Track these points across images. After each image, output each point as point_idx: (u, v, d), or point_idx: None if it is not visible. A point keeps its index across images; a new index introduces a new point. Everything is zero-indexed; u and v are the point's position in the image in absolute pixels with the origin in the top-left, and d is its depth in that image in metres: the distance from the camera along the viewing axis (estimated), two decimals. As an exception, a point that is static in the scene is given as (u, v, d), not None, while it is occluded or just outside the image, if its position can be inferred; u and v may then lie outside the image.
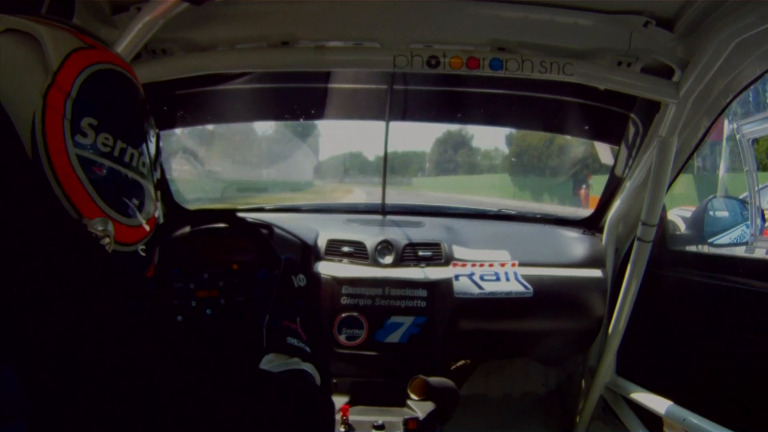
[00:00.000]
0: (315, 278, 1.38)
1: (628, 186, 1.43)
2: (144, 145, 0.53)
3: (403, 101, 1.58)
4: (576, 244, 1.57)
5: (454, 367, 1.40)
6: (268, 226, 1.43)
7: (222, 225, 1.31)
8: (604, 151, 1.75)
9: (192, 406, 0.42)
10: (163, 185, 1.59)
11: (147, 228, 0.53)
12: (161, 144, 0.60)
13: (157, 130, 0.57)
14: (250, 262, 1.25)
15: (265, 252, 1.24)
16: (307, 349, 0.83)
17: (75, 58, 0.46)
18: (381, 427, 1.18)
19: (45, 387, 0.36)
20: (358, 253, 1.43)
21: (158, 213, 0.57)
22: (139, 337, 0.43)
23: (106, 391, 0.38)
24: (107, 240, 0.47)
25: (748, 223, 1.40)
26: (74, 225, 0.44)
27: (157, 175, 0.57)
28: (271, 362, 0.78)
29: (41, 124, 0.43)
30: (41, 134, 0.43)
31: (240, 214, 1.49)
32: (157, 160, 0.57)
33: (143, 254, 0.54)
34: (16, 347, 0.36)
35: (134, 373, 0.40)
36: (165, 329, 0.48)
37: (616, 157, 1.56)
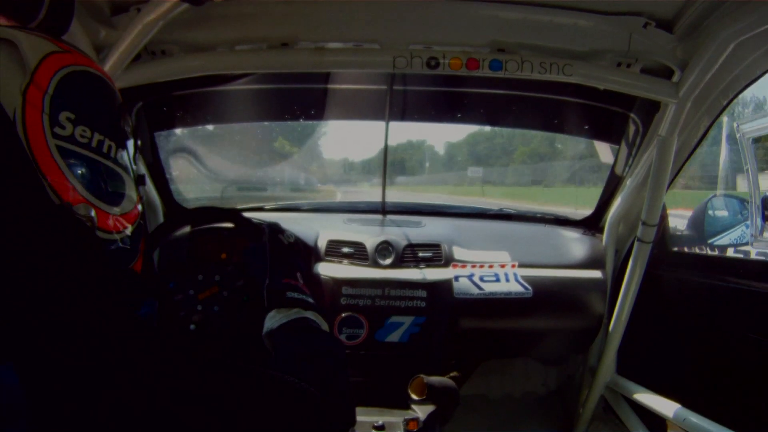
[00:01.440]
0: (315, 279, 1.39)
1: (628, 186, 1.44)
2: (121, 140, 0.57)
3: (403, 102, 1.58)
4: (576, 244, 1.57)
5: (448, 377, 1.40)
6: None
7: (224, 225, 1.30)
8: (604, 151, 1.74)
9: (193, 407, 0.42)
10: (163, 185, 1.59)
11: (128, 220, 0.57)
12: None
13: (131, 128, 0.61)
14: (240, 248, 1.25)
15: (248, 229, 1.24)
16: (309, 300, 0.82)
17: (51, 59, 0.50)
18: (381, 427, 1.18)
19: (44, 383, 0.36)
20: (358, 254, 1.43)
21: (141, 208, 0.61)
22: (134, 330, 0.43)
23: (105, 388, 0.38)
24: (90, 225, 0.50)
25: (748, 222, 1.40)
26: (58, 209, 0.48)
27: (139, 170, 0.61)
28: (273, 317, 0.78)
29: (21, 118, 0.47)
30: (22, 128, 0.47)
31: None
32: (135, 156, 0.60)
33: (127, 247, 0.56)
34: (15, 344, 0.36)
35: (133, 369, 0.40)
36: (179, 339, 0.50)
37: (616, 157, 1.56)
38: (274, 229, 0.96)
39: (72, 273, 0.42)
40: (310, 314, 0.79)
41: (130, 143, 0.59)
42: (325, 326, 0.80)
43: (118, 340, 0.41)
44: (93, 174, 0.52)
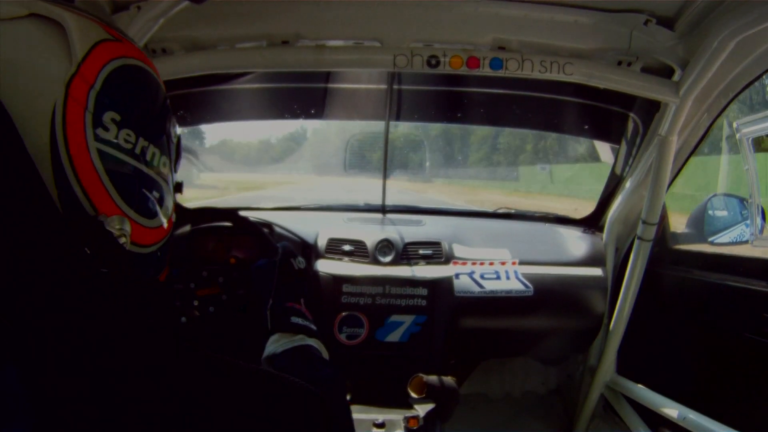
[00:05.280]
0: (315, 277, 1.39)
1: (628, 185, 1.44)
2: (165, 146, 0.51)
3: (403, 101, 1.58)
4: (576, 242, 1.57)
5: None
6: (269, 225, 1.43)
7: (224, 224, 1.31)
8: (604, 150, 1.75)
9: (198, 410, 0.42)
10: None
11: (163, 232, 0.51)
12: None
13: (178, 133, 0.56)
14: (248, 255, 1.26)
15: (263, 244, 1.24)
16: (312, 327, 0.83)
17: (101, 49, 0.44)
18: (381, 425, 1.18)
19: (50, 388, 0.36)
20: (358, 251, 1.43)
21: (174, 218, 0.55)
22: (149, 339, 0.42)
23: (111, 394, 0.38)
24: (123, 239, 0.45)
25: (749, 222, 1.40)
26: (90, 221, 0.43)
27: (177, 177, 0.55)
28: (276, 342, 0.78)
29: (62, 114, 0.41)
30: (61, 125, 0.41)
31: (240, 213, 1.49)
32: (177, 163, 0.55)
33: (156, 258, 0.52)
34: (22, 346, 0.36)
35: (141, 376, 0.39)
36: (169, 331, 0.48)
37: (616, 156, 1.56)
38: (288, 251, 0.97)
39: (86, 271, 0.39)
40: (313, 342, 0.79)
41: (174, 147, 0.54)
42: (326, 354, 0.80)
43: (127, 345, 0.40)
44: (132, 183, 0.46)
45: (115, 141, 0.45)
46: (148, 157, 0.48)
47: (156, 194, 0.49)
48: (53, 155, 0.42)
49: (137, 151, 0.46)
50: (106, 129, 0.44)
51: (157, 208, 0.50)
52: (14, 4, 0.42)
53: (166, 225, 0.52)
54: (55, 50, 0.42)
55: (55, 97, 0.41)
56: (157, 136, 0.49)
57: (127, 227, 0.45)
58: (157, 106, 0.51)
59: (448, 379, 1.29)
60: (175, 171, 0.54)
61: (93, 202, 0.43)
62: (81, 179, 0.42)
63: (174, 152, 0.54)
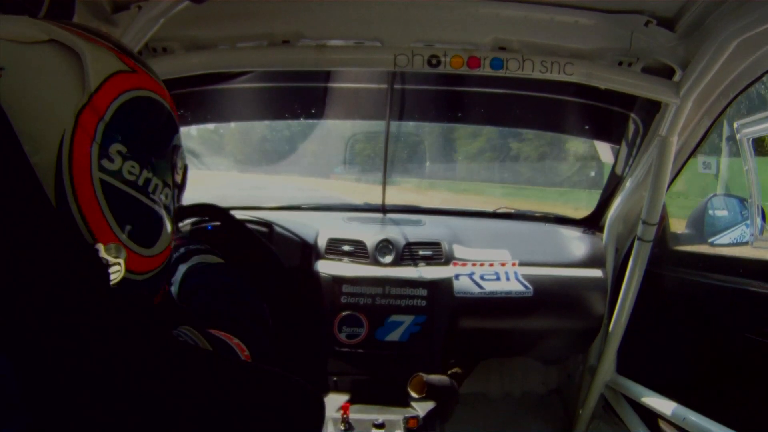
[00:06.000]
0: (315, 277, 1.39)
1: (628, 185, 1.44)
2: (170, 177, 0.51)
3: (404, 100, 1.58)
4: (576, 243, 1.57)
5: (449, 372, 1.41)
6: (268, 225, 1.43)
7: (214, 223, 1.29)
8: (604, 150, 1.75)
9: (197, 409, 0.42)
10: None
11: (159, 260, 0.51)
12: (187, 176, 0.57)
13: (185, 163, 0.56)
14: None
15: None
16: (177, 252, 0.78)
17: (114, 81, 0.45)
18: (381, 425, 1.18)
19: (48, 388, 0.36)
20: (358, 252, 1.44)
21: (173, 244, 0.55)
22: (148, 339, 0.42)
23: (110, 394, 0.38)
24: (118, 267, 0.45)
25: (749, 222, 1.40)
26: (86, 248, 0.43)
27: (178, 204, 0.56)
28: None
29: (69, 143, 0.42)
30: (68, 153, 0.42)
31: (240, 213, 1.48)
32: (180, 193, 0.55)
33: (154, 282, 0.52)
34: (20, 347, 0.36)
35: (140, 375, 0.39)
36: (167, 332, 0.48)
37: (616, 157, 1.56)
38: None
39: (74, 294, 0.38)
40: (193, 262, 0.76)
41: (179, 177, 0.54)
42: (211, 258, 0.77)
43: (126, 345, 0.40)
44: (132, 214, 0.47)
45: (119, 172, 0.45)
46: (151, 189, 0.48)
47: (155, 224, 0.50)
48: (57, 181, 0.42)
49: (140, 182, 0.47)
50: (111, 160, 0.44)
51: (155, 238, 0.50)
52: (36, 29, 0.43)
53: (163, 254, 0.52)
54: (69, 78, 0.43)
55: (64, 124, 0.42)
56: (162, 168, 0.50)
57: (123, 255, 0.45)
58: (165, 138, 0.51)
59: (448, 379, 1.29)
60: (178, 201, 0.55)
61: (91, 229, 0.44)
62: (81, 206, 0.43)
63: (179, 183, 0.54)
